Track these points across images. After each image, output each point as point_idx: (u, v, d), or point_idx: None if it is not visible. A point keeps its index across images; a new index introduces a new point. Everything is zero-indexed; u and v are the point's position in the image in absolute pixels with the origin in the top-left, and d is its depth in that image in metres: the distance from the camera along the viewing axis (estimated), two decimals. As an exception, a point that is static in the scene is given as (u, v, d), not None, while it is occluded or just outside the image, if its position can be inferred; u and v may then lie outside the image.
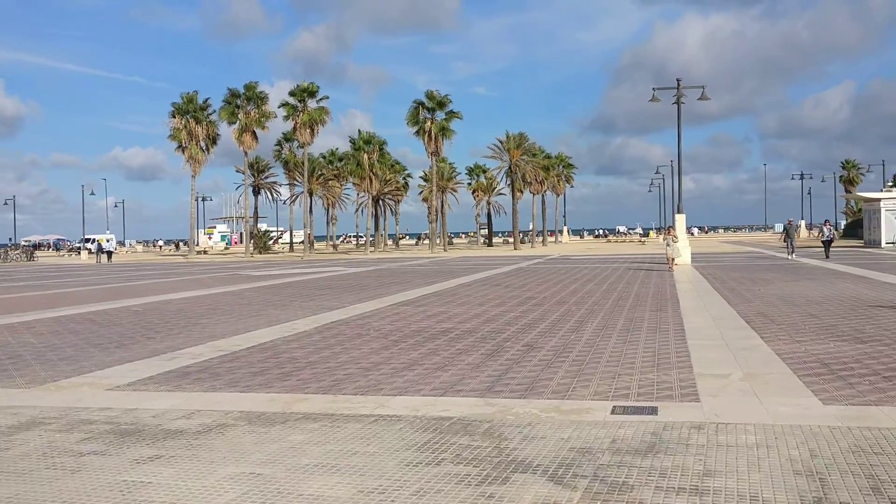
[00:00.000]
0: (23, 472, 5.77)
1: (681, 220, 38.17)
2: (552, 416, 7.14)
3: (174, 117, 69.06)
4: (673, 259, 32.09)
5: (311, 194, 79.41)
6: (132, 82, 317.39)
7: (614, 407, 7.43)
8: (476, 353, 11.00)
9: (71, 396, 8.51)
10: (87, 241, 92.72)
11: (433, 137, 67.40)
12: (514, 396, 8.07)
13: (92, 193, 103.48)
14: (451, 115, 68.41)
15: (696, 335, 12.30)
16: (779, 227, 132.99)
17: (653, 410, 7.23)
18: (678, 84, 38.39)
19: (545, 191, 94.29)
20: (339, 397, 8.21)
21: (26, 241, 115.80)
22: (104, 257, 67.61)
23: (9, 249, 77.01)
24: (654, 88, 39.77)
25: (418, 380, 9.07)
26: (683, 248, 35.47)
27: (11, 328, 15.43)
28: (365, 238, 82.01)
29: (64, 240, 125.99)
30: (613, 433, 6.45)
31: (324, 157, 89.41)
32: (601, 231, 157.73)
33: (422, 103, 67.92)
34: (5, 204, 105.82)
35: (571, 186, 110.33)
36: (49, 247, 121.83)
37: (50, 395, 8.68)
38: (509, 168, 77.99)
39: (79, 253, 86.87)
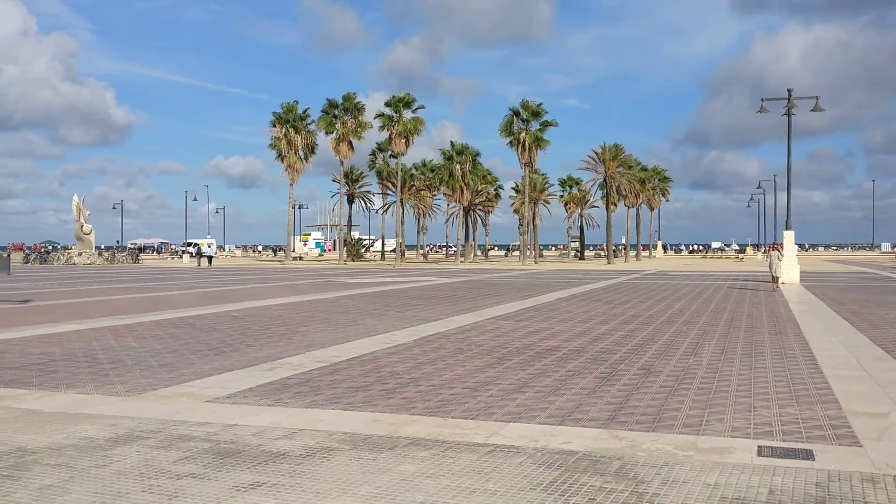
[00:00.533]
0: (120, 495, 5.37)
1: (789, 237, 36.28)
2: (690, 456, 6.34)
3: (274, 126, 70.51)
4: (777, 278, 30.36)
5: (402, 204, 79.70)
6: (235, 94, 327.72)
7: (760, 447, 6.58)
8: (589, 375, 10.24)
9: (170, 408, 8.19)
10: (190, 245, 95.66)
11: (527, 148, 66.57)
12: (641, 429, 7.30)
13: (195, 199, 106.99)
14: (546, 125, 67.46)
15: (832, 364, 11.19)
16: (885, 247, 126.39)
17: (807, 454, 6.34)
18: (789, 95, 36.56)
19: (640, 204, 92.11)
20: (449, 421, 7.61)
21: (132, 244, 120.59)
22: (205, 261, 69.43)
23: (115, 252, 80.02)
24: (762, 99, 37.98)
25: (531, 404, 8.39)
26: (791, 266, 33.67)
27: (115, 331, 15.48)
28: (455, 248, 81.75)
29: (167, 243, 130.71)
30: (769, 482, 5.61)
31: (416, 168, 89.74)
32: (696, 247, 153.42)
33: (516, 113, 67.24)
34: (113, 208, 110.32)
35: (667, 200, 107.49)
36: (153, 250, 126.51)
37: (149, 405, 8.38)
38: (604, 180, 76.41)
39: (181, 256, 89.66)
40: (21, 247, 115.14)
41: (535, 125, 67.27)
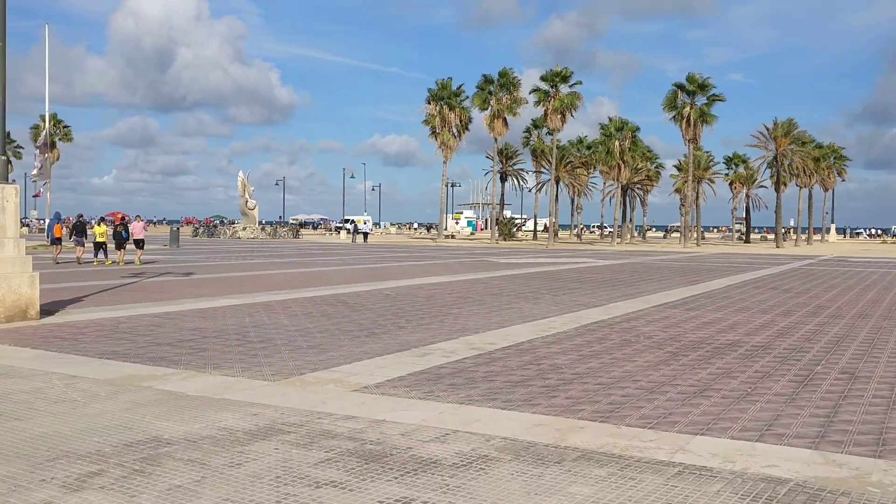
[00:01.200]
0: None
1: None
2: (941, 497, 5.00)
3: (429, 103, 70.63)
4: None
5: (557, 182, 77.97)
6: (391, 73, 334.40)
7: None
8: (782, 378, 8.85)
9: (315, 397, 7.59)
10: (347, 221, 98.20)
11: (692, 123, 63.32)
12: (863, 452, 5.97)
13: (352, 177, 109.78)
14: (714, 98, 63.90)
15: None
16: None
17: None
18: None
19: (813, 185, 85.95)
20: (624, 430, 6.56)
21: (294, 220, 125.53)
22: (360, 238, 70.85)
23: (277, 227, 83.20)
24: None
25: (718, 412, 7.19)
26: None
27: (269, 307, 15.36)
28: (612, 229, 79.32)
29: (326, 219, 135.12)
30: None
31: (572, 144, 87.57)
32: (874, 230, 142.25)
33: (681, 87, 64.03)
34: (276, 184, 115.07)
35: (843, 180, 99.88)
36: (313, 225, 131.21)
37: (294, 391, 7.83)
38: (774, 158, 71.68)
39: (338, 232, 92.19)
40: (192, 220, 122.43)
41: (700, 99, 63.86)
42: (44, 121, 55.89)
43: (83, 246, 31.07)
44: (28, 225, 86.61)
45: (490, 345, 10.92)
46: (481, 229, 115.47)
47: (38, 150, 49.93)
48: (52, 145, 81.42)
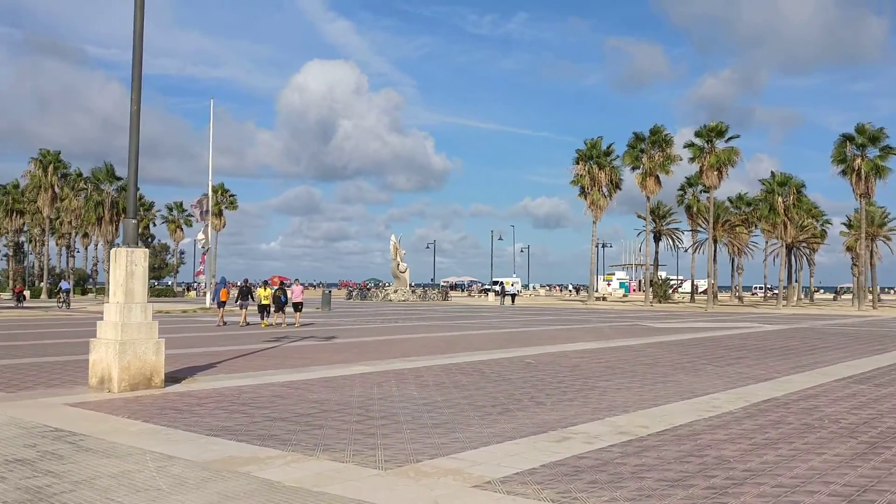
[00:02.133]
0: None
1: None
2: None
3: (577, 164, 69.44)
4: None
5: (715, 241, 74.07)
6: (541, 137, 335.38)
7: None
8: None
9: (427, 493, 6.41)
10: (495, 283, 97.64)
11: (863, 177, 58.53)
12: None
13: (500, 239, 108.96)
14: (888, 150, 58.91)
15: None
16: None
17: None
18: None
19: None
20: (820, 561, 4.95)
21: (444, 282, 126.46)
22: (508, 300, 69.84)
23: (427, 289, 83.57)
24: None
25: (951, 537, 5.42)
26: None
27: (400, 376, 14.42)
28: (778, 290, 74.26)
29: (476, 282, 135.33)
30: None
31: (730, 202, 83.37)
32: None
33: (849, 138, 59.57)
34: (427, 248, 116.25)
35: None
36: (462, 288, 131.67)
37: (404, 485, 6.68)
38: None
39: (487, 294, 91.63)
40: (347, 283, 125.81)
41: (872, 151, 59.08)
42: (212, 190, 59.07)
43: (247, 309, 32.09)
44: (196, 289, 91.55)
45: (642, 428, 9.38)
46: (634, 291, 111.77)
47: (199, 218, 52.59)
48: (219, 213, 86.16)
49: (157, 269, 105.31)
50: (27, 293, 78.28)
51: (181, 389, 12.26)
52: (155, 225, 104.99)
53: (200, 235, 51.56)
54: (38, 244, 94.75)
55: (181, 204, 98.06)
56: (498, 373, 15.00)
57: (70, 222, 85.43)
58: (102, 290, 77.81)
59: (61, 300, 54.94)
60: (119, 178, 72.49)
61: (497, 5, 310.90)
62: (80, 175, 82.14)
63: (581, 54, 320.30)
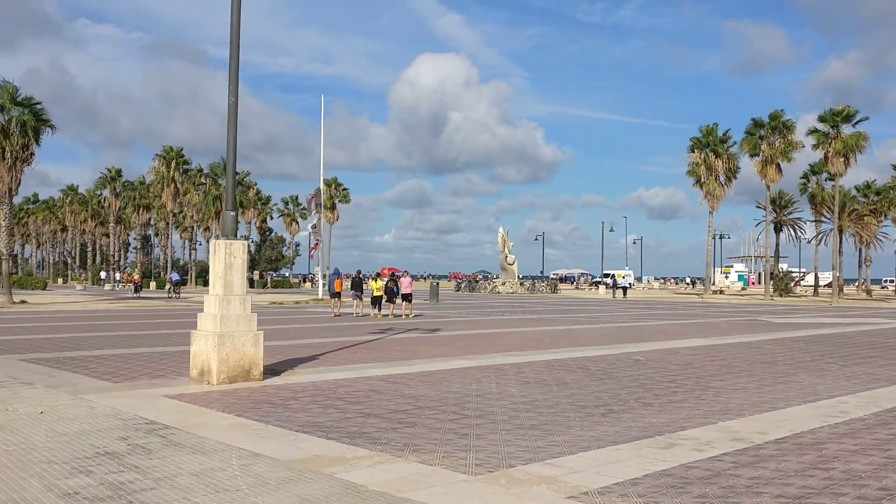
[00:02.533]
0: None
1: None
2: None
3: (693, 152, 67.10)
4: None
5: (840, 232, 70.04)
6: (656, 126, 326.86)
7: None
8: None
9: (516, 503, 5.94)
10: (606, 276, 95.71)
11: None
12: None
13: (611, 230, 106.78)
14: None
15: None
16: None
17: None
18: None
19: None
20: None
21: (554, 275, 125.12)
22: (619, 293, 68.30)
23: (535, 282, 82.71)
24: None
25: None
26: None
27: (501, 371, 13.97)
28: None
29: (586, 274, 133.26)
30: None
31: (858, 190, 78.66)
32: None
33: None
34: (535, 240, 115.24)
35: None
36: (572, 280, 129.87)
37: (493, 493, 6.23)
38: None
39: (597, 287, 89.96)
40: (457, 275, 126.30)
41: None
42: (325, 184, 60.30)
43: (360, 300, 32.66)
44: (312, 280, 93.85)
45: (759, 435, 8.59)
46: (753, 284, 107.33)
47: (312, 211, 53.73)
48: (332, 207, 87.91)
49: (274, 262, 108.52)
50: (153, 284, 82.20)
51: (279, 382, 12.21)
52: (272, 218, 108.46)
53: (313, 224, 52.80)
54: (163, 237, 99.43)
55: (297, 198, 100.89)
56: (603, 370, 14.33)
57: (192, 216, 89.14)
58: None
59: (172, 291, 57.28)
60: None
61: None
62: (200, 171, 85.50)
63: (697, 39, 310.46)
